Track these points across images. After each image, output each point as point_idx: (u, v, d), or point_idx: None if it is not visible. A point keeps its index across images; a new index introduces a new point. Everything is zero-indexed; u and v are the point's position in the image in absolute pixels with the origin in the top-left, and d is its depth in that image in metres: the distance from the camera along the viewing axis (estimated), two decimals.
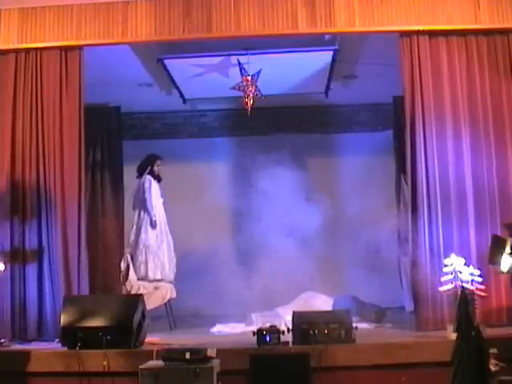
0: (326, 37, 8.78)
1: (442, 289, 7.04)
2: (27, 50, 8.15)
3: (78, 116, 8.06)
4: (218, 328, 8.66)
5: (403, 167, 9.27)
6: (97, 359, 6.60)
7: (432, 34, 7.98)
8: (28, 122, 8.05)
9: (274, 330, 6.78)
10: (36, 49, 8.14)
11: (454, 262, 6.97)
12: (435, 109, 7.87)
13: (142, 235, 9.42)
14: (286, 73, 9.51)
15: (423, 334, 7.37)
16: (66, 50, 8.14)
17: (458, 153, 7.81)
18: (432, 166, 7.78)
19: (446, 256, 7.15)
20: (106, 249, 10.49)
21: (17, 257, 7.82)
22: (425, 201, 7.74)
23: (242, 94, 8.84)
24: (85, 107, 8.20)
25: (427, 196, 7.75)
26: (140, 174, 9.73)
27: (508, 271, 6.76)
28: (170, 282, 9.47)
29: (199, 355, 5.91)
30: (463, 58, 7.97)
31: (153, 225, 9.42)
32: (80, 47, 8.13)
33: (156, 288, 9.24)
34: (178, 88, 10.25)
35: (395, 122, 10.34)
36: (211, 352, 6.01)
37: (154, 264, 9.32)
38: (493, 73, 7.92)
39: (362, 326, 7.79)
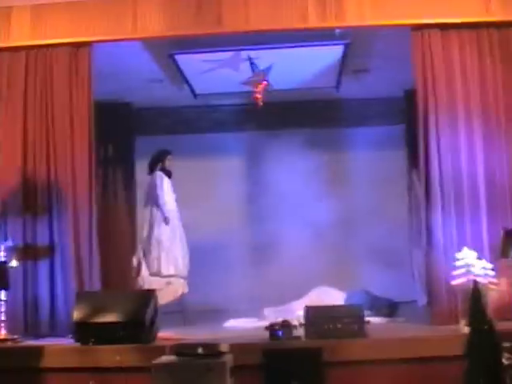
0: (337, 31, 8.73)
1: (454, 282, 7.01)
2: (38, 47, 8.14)
3: (89, 112, 8.06)
4: (230, 323, 8.66)
5: (415, 162, 9.26)
6: (110, 355, 6.58)
7: (443, 27, 7.91)
8: (39, 119, 8.04)
9: (287, 325, 6.76)
10: (47, 46, 8.11)
11: (467, 255, 6.93)
12: (448, 103, 7.80)
13: (155, 231, 9.41)
14: (297, 67, 9.47)
15: (436, 328, 7.34)
16: (76, 46, 8.12)
17: (470, 146, 7.75)
18: (445, 159, 7.70)
19: (459, 250, 7.12)
20: (118, 245, 10.49)
21: (29, 253, 7.83)
22: (438, 194, 7.67)
23: (253, 88, 8.82)
24: (96, 103, 8.20)
25: (441, 190, 7.68)
26: (151, 169, 9.72)
27: None
28: (183, 278, 9.47)
29: (212, 350, 5.90)
30: (475, 51, 7.89)
31: (166, 221, 9.41)
32: (90, 43, 8.12)
33: (168, 283, 9.23)
34: (188, 83, 10.23)
35: (407, 116, 10.32)
36: (224, 347, 5.99)
37: (167, 260, 9.32)
38: (505, 66, 7.86)
39: (375, 320, 7.77)
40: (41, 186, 7.92)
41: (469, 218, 7.65)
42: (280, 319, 7.06)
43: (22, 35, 8.15)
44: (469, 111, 7.82)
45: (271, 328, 6.73)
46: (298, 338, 6.74)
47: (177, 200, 9.67)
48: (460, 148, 7.75)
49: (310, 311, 7.01)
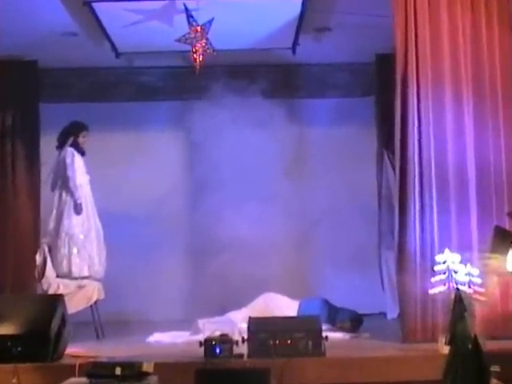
0: None
1: (432, 291, 7.05)
2: None
3: None
4: (156, 337, 8.64)
5: (387, 141, 9.30)
6: (5, 376, 6.51)
7: None
8: None
9: (226, 340, 6.77)
10: None
11: (448, 258, 6.95)
12: (432, 70, 7.74)
13: (65, 222, 9.30)
14: (244, 23, 9.44)
15: (409, 346, 7.39)
16: None
17: (458, 125, 7.72)
18: (426, 140, 7.66)
19: (440, 252, 7.14)
20: (17, 238, 10.41)
21: None
22: (416, 183, 7.62)
23: (189, 47, 8.77)
24: None
25: (419, 178, 7.63)
26: (60, 144, 9.59)
27: None
28: (98, 280, 9.39)
29: (132, 371, 5.86)
30: (467, 9, 7.85)
31: (77, 209, 9.29)
32: None
33: (80, 287, 9.16)
34: (109, 39, 10.12)
35: (378, 85, 10.35)
36: (148, 367, 5.96)
37: (80, 258, 9.23)
38: (503, 27, 7.84)
39: (334, 335, 7.80)
40: None
41: (454, 214, 7.63)
42: (218, 333, 7.07)
43: None
44: (458, 81, 7.78)
45: (207, 344, 6.72)
46: (240, 356, 6.75)
47: (91, 182, 9.56)
48: (446, 127, 7.72)
49: (255, 323, 7.04)
